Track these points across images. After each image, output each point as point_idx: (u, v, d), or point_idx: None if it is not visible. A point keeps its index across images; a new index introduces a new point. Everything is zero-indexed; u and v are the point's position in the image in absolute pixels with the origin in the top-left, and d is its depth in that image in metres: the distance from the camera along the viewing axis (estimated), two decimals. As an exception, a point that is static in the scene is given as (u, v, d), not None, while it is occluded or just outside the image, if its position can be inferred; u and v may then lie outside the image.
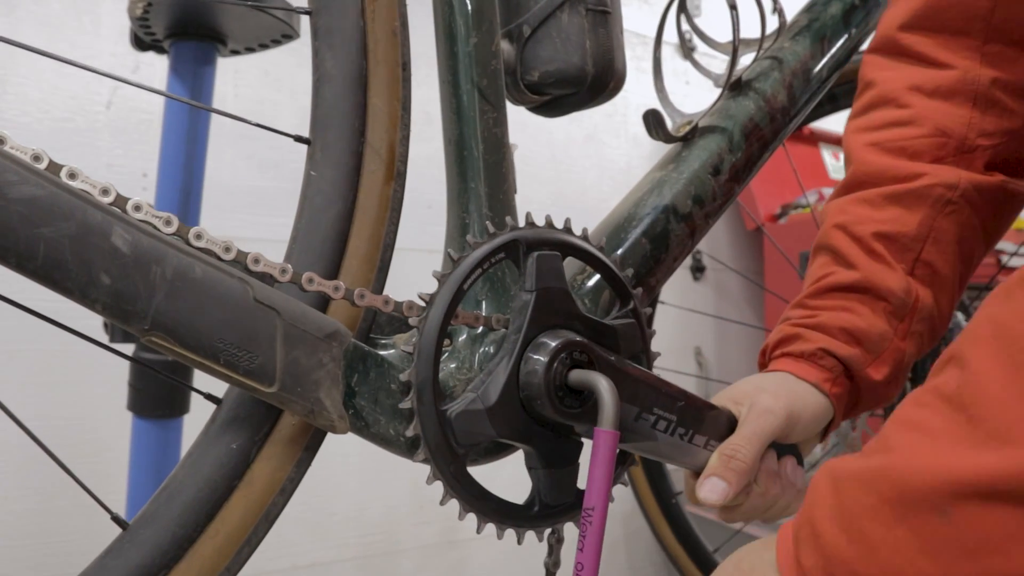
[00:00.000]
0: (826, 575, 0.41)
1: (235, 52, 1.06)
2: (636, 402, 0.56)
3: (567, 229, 0.57)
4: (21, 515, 1.19)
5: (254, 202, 1.39)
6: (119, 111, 1.29)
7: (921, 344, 0.65)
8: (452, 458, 0.51)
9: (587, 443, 0.57)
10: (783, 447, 0.64)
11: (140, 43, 1.03)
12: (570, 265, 0.65)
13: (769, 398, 0.61)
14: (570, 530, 0.56)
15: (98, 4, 1.28)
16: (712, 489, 0.58)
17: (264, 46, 1.04)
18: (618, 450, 0.60)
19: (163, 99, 1.04)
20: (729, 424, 0.62)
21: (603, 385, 0.51)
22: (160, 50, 1.03)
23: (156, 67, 1.27)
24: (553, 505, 0.56)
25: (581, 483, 0.57)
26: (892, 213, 0.63)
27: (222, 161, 1.29)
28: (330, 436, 0.50)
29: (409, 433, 0.49)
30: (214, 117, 1.06)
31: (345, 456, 1.45)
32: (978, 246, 0.66)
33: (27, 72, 1.21)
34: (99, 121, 1.27)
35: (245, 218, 1.38)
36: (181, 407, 0.99)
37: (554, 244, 0.55)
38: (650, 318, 1.26)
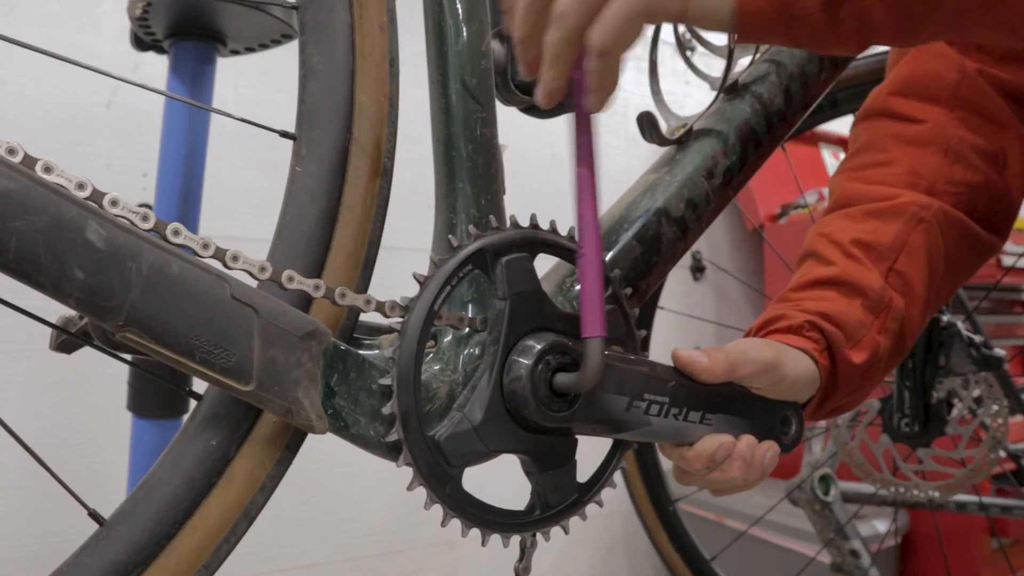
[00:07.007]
0: None
1: (235, 52, 1.06)
2: (625, 391, 0.55)
3: (534, 226, 0.55)
4: (20, 515, 1.20)
5: (254, 202, 1.39)
6: (119, 111, 1.29)
7: (895, 345, 0.67)
8: (446, 480, 0.51)
9: (582, 438, 0.56)
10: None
11: (140, 43, 1.03)
12: (561, 268, 0.64)
13: (750, 342, 0.62)
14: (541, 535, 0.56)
15: (98, 4, 1.28)
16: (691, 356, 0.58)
17: (264, 46, 1.05)
18: (613, 441, 0.59)
19: (163, 99, 1.04)
20: None
21: None
22: (160, 50, 1.03)
23: (156, 67, 1.27)
24: (555, 505, 0.56)
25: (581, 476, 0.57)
26: (871, 225, 0.69)
27: (222, 161, 1.29)
28: (331, 437, 0.50)
29: (400, 464, 0.49)
30: (215, 117, 1.06)
31: (345, 456, 1.45)
32: (943, 269, 0.71)
33: (27, 72, 1.21)
34: (99, 121, 1.28)
35: (245, 218, 1.38)
36: (180, 407, 0.99)
37: (521, 244, 0.54)
38: (649, 319, 1.26)
